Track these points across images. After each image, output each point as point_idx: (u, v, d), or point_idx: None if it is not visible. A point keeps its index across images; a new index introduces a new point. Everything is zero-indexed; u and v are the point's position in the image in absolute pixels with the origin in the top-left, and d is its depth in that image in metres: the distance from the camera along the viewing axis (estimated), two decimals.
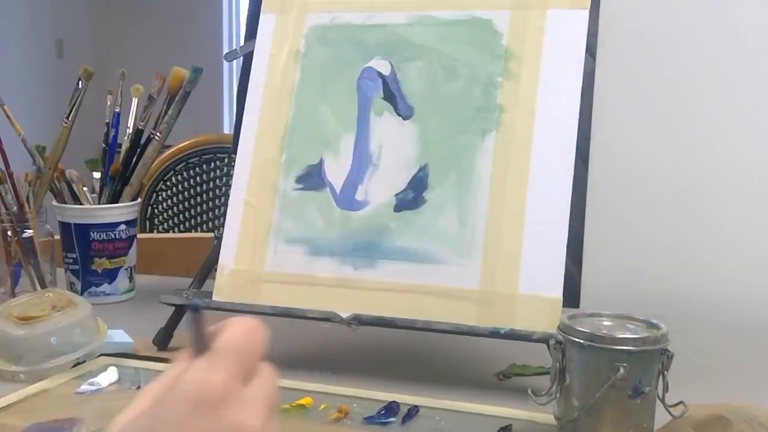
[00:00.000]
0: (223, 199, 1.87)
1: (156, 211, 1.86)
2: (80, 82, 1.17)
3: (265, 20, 0.97)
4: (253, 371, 0.43)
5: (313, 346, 0.80)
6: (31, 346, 0.86)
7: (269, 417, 0.42)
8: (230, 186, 1.00)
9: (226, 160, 1.87)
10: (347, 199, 0.89)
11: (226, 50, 4.59)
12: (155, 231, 1.85)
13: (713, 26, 1.14)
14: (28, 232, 1.11)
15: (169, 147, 1.84)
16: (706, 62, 1.14)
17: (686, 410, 0.65)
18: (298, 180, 0.91)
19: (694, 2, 1.14)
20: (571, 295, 0.82)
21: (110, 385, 0.84)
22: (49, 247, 1.14)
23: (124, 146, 1.19)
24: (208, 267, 0.95)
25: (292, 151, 0.92)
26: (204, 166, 1.88)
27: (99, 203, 1.18)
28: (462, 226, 0.84)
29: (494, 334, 0.81)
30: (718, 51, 1.14)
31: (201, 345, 0.43)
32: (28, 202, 1.13)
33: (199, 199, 1.88)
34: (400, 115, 0.90)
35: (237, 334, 0.43)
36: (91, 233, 1.15)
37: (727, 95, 1.14)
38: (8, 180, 1.11)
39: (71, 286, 1.16)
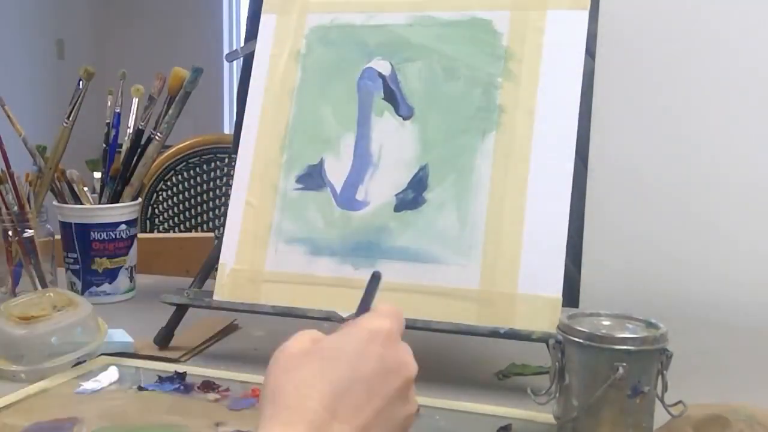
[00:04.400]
0: (223, 199, 1.87)
1: (156, 211, 1.86)
2: (81, 82, 1.17)
3: (266, 20, 0.97)
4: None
5: None
6: (31, 345, 0.86)
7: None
8: (230, 186, 1.01)
9: (226, 160, 1.87)
10: (347, 199, 0.90)
11: (226, 50, 4.60)
12: (155, 231, 1.85)
13: (713, 27, 1.14)
14: (29, 232, 1.12)
15: (169, 147, 1.84)
16: (706, 63, 1.14)
17: (685, 410, 0.65)
18: (299, 180, 0.92)
19: (693, 3, 1.14)
20: (571, 294, 0.82)
21: (110, 384, 0.84)
22: (50, 247, 1.14)
23: (125, 146, 1.19)
24: (209, 267, 0.95)
25: (292, 151, 0.93)
26: (204, 166, 1.88)
27: (99, 203, 1.18)
28: (462, 226, 0.85)
29: (494, 333, 0.81)
30: (717, 52, 1.14)
31: (366, 305, 0.58)
32: (28, 202, 1.13)
33: (199, 199, 1.88)
34: (400, 116, 0.90)
35: (393, 307, 0.57)
36: (92, 233, 1.15)
37: (727, 96, 1.14)
38: (9, 180, 1.11)
39: (72, 286, 1.16)
